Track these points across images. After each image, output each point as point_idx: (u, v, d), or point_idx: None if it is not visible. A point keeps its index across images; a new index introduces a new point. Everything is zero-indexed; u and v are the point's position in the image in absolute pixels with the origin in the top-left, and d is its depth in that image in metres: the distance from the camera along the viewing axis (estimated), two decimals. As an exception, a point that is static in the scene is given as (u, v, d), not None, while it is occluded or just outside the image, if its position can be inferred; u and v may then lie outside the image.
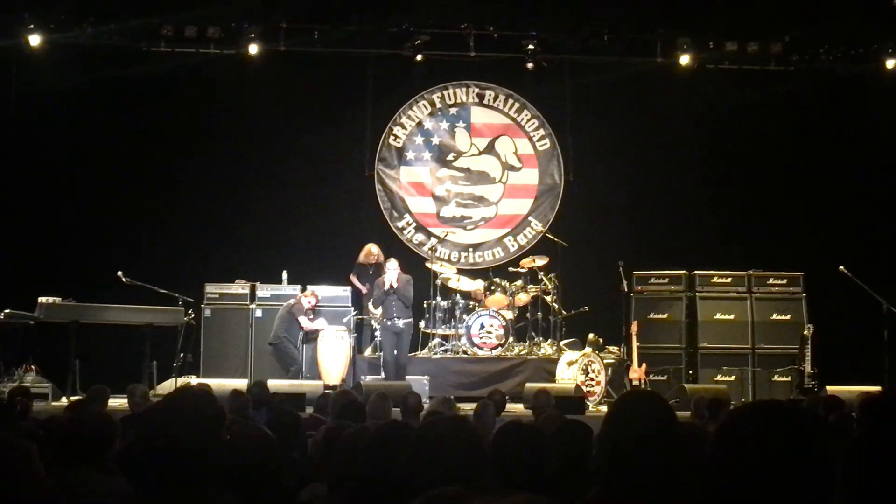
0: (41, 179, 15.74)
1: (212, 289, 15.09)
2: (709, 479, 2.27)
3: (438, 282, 15.35)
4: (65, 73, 15.54)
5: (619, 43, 16.46)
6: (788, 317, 15.19)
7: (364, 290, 15.30)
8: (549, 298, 15.45)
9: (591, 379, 13.96)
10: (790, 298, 15.32)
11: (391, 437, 3.52)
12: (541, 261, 15.62)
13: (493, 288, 15.46)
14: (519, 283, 15.56)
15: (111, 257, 14.53)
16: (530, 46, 16.28)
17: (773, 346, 15.06)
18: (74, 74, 15.57)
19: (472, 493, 2.33)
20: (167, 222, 15.95)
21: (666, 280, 15.63)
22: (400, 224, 17.04)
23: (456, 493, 2.31)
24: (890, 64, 16.25)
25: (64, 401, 12.52)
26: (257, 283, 15.19)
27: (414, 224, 17.07)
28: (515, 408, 12.67)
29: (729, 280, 15.49)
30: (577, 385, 13.52)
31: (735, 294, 15.42)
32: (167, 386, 13.52)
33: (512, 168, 17.30)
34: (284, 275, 15.32)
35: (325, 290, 15.10)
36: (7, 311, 13.35)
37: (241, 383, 11.93)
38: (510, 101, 17.34)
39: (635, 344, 14.19)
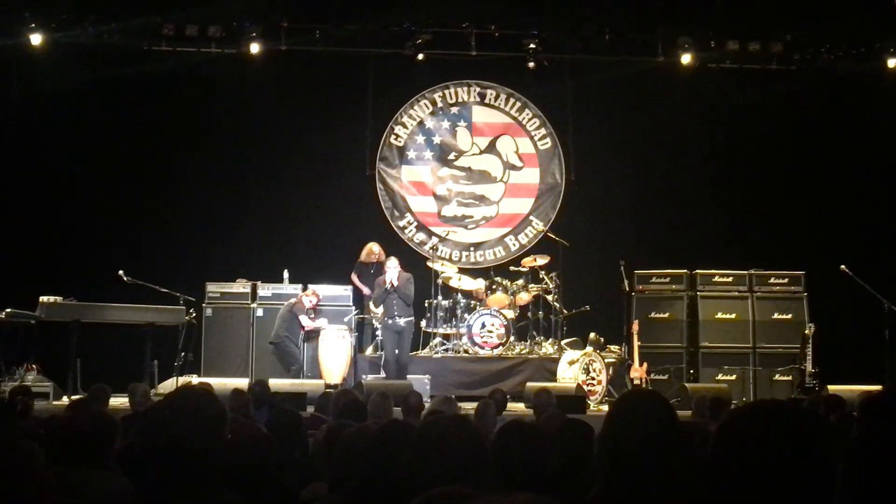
0: (42, 178, 15.74)
1: (213, 288, 15.10)
2: (710, 478, 2.26)
3: (439, 281, 15.36)
4: (66, 73, 15.53)
5: (621, 42, 16.46)
6: (790, 316, 15.19)
7: (365, 289, 15.30)
8: (550, 297, 15.46)
9: (593, 378, 13.97)
10: (791, 298, 15.32)
11: (392, 437, 3.52)
12: (542, 260, 15.62)
13: (494, 287, 15.46)
14: (520, 282, 15.56)
15: (112, 256, 14.53)
16: (531, 46, 16.29)
17: (774, 345, 15.06)
18: (75, 74, 15.57)
19: (473, 492, 2.33)
20: (168, 221, 15.95)
21: (667, 279, 15.63)
22: (401, 223, 17.04)
23: (457, 493, 2.31)
24: (891, 63, 16.25)
25: (65, 400, 12.54)
26: (258, 283, 15.20)
27: (415, 223, 17.07)
28: (516, 407, 12.67)
29: (730, 279, 15.49)
30: (579, 384, 13.52)
31: (736, 293, 15.42)
32: (168, 385, 13.53)
33: (513, 167, 17.30)
34: (286, 274, 15.33)
35: (326, 290, 15.10)
36: (8, 310, 13.35)
37: (243, 382, 11.92)
38: (511, 100, 17.34)
39: (636, 343, 14.19)
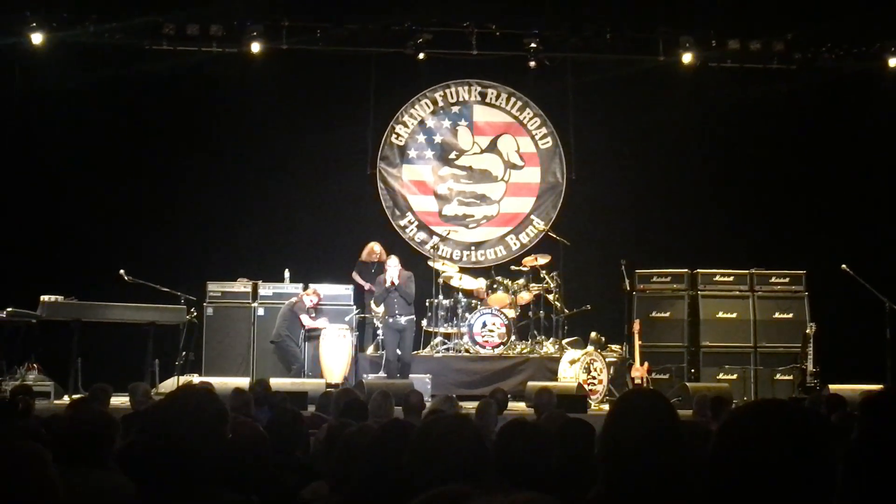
0: (43, 177, 15.74)
1: (214, 287, 15.10)
2: (711, 478, 2.26)
3: (440, 280, 15.36)
4: (66, 72, 15.53)
5: (622, 41, 16.45)
6: (791, 315, 15.18)
7: (366, 288, 15.30)
8: (551, 297, 15.46)
9: (594, 378, 13.97)
10: (792, 297, 15.32)
11: (393, 436, 3.52)
12: (543, 259, 15.62)
13: (495, 286, 15.46)
14: (521, 281, 15.56)
15: (113, 256, 14.53)
16: (532, 45, 16.29)
17: (775, 344, 15.05)
18: (76, 73, 15.57)
19: (474, 491, 2.33)
20: (169, 221, 15.95)
21: (668, 279, 15.62)
22: (402, 222, 17.04)
23: (458, 492, 2.30)
24: (893, 62, 16.26)
25: (66, 399, 12.55)
26: (259, 282, 15.20)
27: (416, 222, 17.07)
28: (517, 406, 12.68)
29: (731, 279, 15.48)
30: (580, 384, 13.52)
31: (737, 293, 15.41)
32: (169, 384, 13.54)
33: (514, 166, 17.30)
34: (287, 273, 15.33)
35: (327, 289, 15.10)
36: (9, 309, 13.35)
37: (243, 382, 11.91)
38: (512, 99, 17.34)
39: (637, 342, 14.17)
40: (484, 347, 14.93)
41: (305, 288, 14.86)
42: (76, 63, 15.62)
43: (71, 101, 15.81)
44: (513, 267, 16.12)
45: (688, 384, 13.96)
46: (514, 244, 17.17)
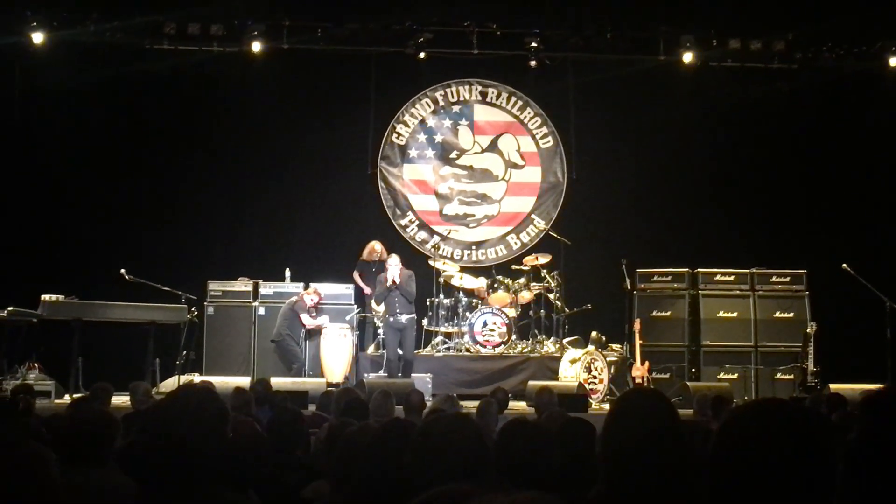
0: (44, 177, 15.74)
1: (215, 286, 15.10)
2: (711, 477, 2.26)
3: (441, 279, 15.35)
4: (67, 71, 15.53)
5: (622, 41, 16.45)
6: (791, 315, 15.17)
7: (367, 288, 15.30)
8: (551, 296, 15.46)
9: (594, 377, 13.97)
10: (793, 296, 15.31)
11: (394, 435, 3.52)
12: (543, 259, 15.61)
13: (495, 286, 15.45)
14: (522, 280, 15.56)
15: (114, 255, 14.54)
16: (533, 44, 16.29)
17: (775, 343, 15.04)
18: (77, 72, 15.57)
19: (475, 490, 2.33)
20: (170, 220, 15.95)
21: (669, 278, 15.61)
22: (403, 222, 17.04)
23: (459, 491, 2.30)
24: (893, 62, 16.26)
25: (67, 398, 12.55)
26: (260, 281, 15.20)
27: (417, 222, 17.07)
28: (518, 406, 12.70)
29: (732, 278, 15.48)
30: (580, 383, 13.53)
31: (738, 292, 15.40)
32: (170, 383, 13.54)
33: (515, 166, 17.29)
34: (287, 272, 15.33)
35: (328, 288, 15.10)
36: (10, 308, 13.36)
37: (244, 381, 11.90)
38: (513, 98, 17.33)
39: (638, 342, 14.17)
40: (485, 347, 14.93)
41: (306, 287, 14.85)
42: (77, 62, 15.62)
43: (71, 101, 15.81)
44: (513, 266, 16.12)
45: (688, 383, 13.95)
46: (515, 243, 17.17)
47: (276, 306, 14.77)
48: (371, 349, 15.21)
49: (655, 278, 15.63)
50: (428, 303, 15.23)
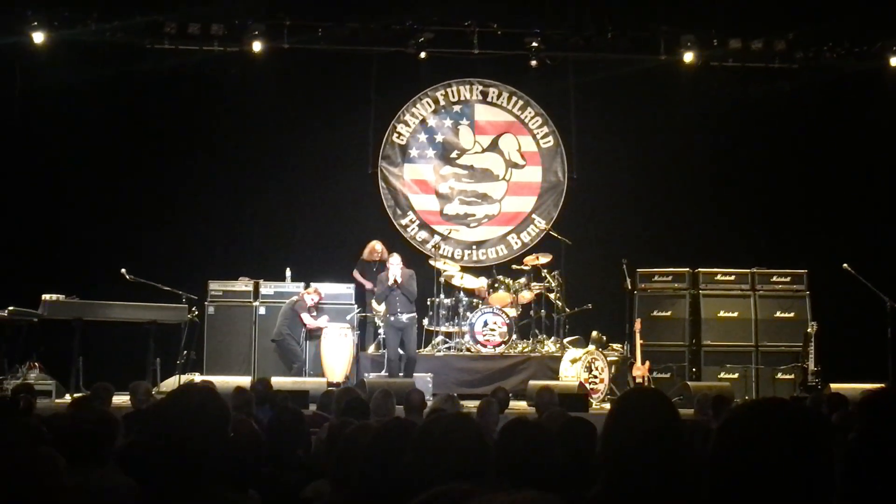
0: (45, 176, 15.75)
1: (215, 286, 15.10)
2: (711, 476, 2.26)
3: (442, 279, 15.35)
4: (68, 71, 15.53)
5: (623, 40, 16.45)
6: (792, 314, 15.17)
7: (368, 283, 15.29)
8: (552, 296, 15.45)
9: (595, 376, 13.96)
10: (794, 296, 15.31)
11: (394, 435, 3.52)
12: (544, 258, 15.61)
13: (496, 285, 15.45)
14: (522, 280, 15.55)
15: (115, 254, 14.54)
16: (534, 44, 16.30)
17: (776, 343, 15.04)
18: (77, 72, 15.56)
19: (476, 490, 2.33)
20: (171, 219, 15.95)
21: (669, 278, 15.61)
22: (403, 221, 17.03)
23: (460, 491, 2.30)
24: (894, 62, 16.26)
25: (67, 398, 12.55)
26: (261, 281, 15.20)
27: (417, 221, 17.06)
28: (519, 405, 12.71)
29: (732, 278, 15.48)
30: (581, 382, 13.53)
31: (739, 292, 15.40)
32: (170, 383, 13.54)
33: (515, 165, 17.29)
34: (288, 272, 15.33)
35: (328, 288, 15.10)
36: (11, 308, 13.35)
37: (245, 380, 11.90)
38: (514, 98, 17.33)
39: (639, 341, 14.17)
40: (485, 346, 14.92)
41: (307, 287, 14.86)
42: (77, 62, 15.62)
43: (72, 101, 15.81)
44: (514, 266, 16.11)
45: (689, 383, 13.97)
46: (516, 243, 17.17)
47: (277, 306, 14.77)
48: (372, 349, 15.21)
49: (656, 278, 15.62)
50: (428, 302, 15.23)
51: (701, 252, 15.92)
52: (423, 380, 13.69)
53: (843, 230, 15.93)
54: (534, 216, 17.19)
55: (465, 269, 16.07)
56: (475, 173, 17.21)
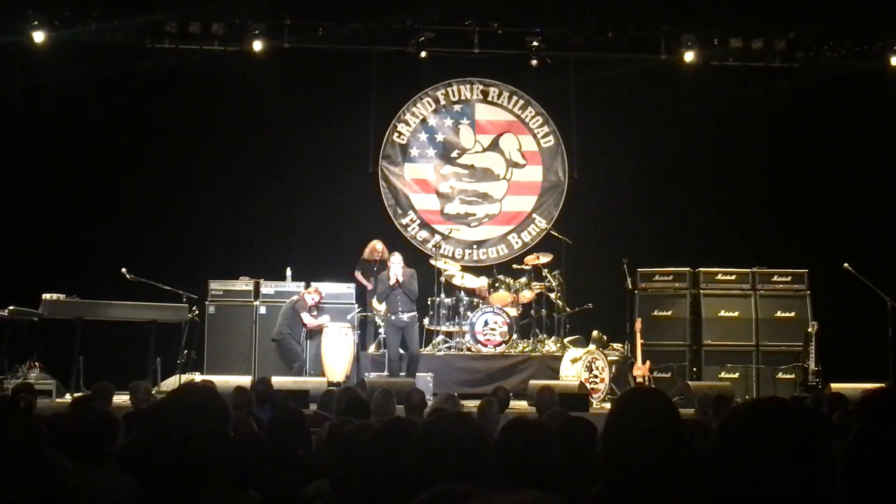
0: (45, 175, 15.74)
1: (216, 286, 15.10)
2: (711, 476, 2.26)
3: (442, 279, 15.34)
4: (68, 70, 15.54)
5: (624, 40, 16.46)
6: (793, 314, 15.17)
7: (369, 286, 15.29)
8: (553, 295, 15.45)
9: (595, 376, 13.96)
10: (794, 296, 15.30)
11: (395, 434, 3.52)
12: (545, 258, 15.61)
13: (497, 285, 15.45)
14: (523, 280, 15.55)
15: (115, 254, 14.54)
16: (534, 43, 16.30)
17: (777, 343, 15.04)
18: (78, 71, 15.57)
19: (476, 490, 2.33)
20: (171, 219, 15.96)
21: (670, 277, 15.60)
22: (404, 221, 17.03)
23: (460, 490, 2.30)
24: (894, 61, 16.25)
25: (68, 397, 12.56)
26: (261, 280, 15.19)
27: (418, 221, 17.06)
28: (519, 405, 12.71)
29: (733, 277, 15.47)
30: (581, 382, 13.53)
31: (739, 291, 15.39)
32: (171, 383, 13.54)
33: (516, 165, 17.29)
34: (288, 271, 15.33)
35: (329, 287, 15.11)
36: (11, 307, 13.35)
37: (245, 380, 11.91)
38: (514, 97, 17.32)
39: (639, 341, 14.18)
40: (486, 346, 14.92)
41: (307, 286, 14.86)
42: (78, 61, 15.61)
43: (72, 100, 15.81)
44: (515, 265, 16.11)
45: (689, 383, 13.97)
46: (516, 243, 17.16)
47: (277, 305, 14.77)
48: (372, 348, 15.20)
49: (657, 277, 15.62)
50: (429, 302, 15.22)
51: (701, 251, 15.92)
52: (424, 379, 13.70)
53: (843, 230, 15.93)
54: (534, 216, 17.19)
55: (465, 269, 16.07)
56: (476, 173, 17.21)
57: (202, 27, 15.77)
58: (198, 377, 13.39)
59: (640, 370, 13.99)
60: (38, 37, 15.39)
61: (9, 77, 15.70)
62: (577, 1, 16.61)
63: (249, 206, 16.47)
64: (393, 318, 14.10)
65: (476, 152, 17.25)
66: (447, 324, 15.23)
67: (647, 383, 13.71)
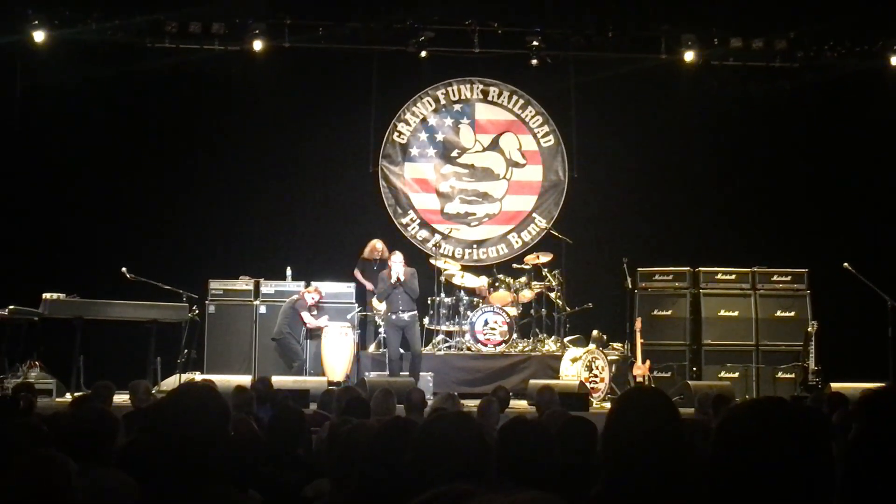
0: (46, 175, 15.74)
1: (216, 285, 15.10)
2: (710, 475, 2.26)
3: (442, 278, 15.35)
4: (68, 70, 15.53)
5: (624, 39, 16.46)
6: (793, 313, 15.16)
7: (368, 284, 15.28)
8: (553, 295, 15.45)
9: (595, 376, 13.96)
10: (794, 295, 15.30)
11: (395, 434, 3.52)
12: (545, 257, 15.60)
13: (497, 284, 15.44)
14: (523, 279, 15.55)
15: (115, 253, 14.54)
16: (534, 43, 16.30)
17: (777, 342, 15.04)
18: (78, 71, 15.56)
19: (476, 489, 2.33)
20: (171, 218, 15.96)
21: (670, 277, 15.60)
22: (404, 220, 17.03)
23: (460, 490, 2.30)
24: (895, 61, 16.24)
25: (68, 397, 12.56)
26: (261, 279, 15.19)
27: (418, 220, 17.06)
28: (519, 404, 12.71)
29: (733, 277, 15.47)
30: (581, 382, 13.53)
31: (739, 291, 15.39)
32: (171, 382, 13.54)
33: (516, 165, 17.29)
34: (289, 271, 15.33)
35: (329, 287, 15.11)
36: (11, 307, 13.35)
37: (245, 379, 11.92)
38: (514, 97, 17.32)
39: (639, 340, 14.17)
40: (486, 345, 14.92)
41: (307, 285, 14.86)
42: (78, 61, 15.61)
43: (72, 100, 15.81)
44: (515, 265, 16.11)
45: (689, 382, 13.97)
46: (516, 242, 17.17)
47: (278, 305, 14.77)
48: (372, 348, 15.20)
49: (657, 277, 15.62)
50: (429, 301, 15.22)
51: (701, 251, 15.92)
52: (424, 379, 13.71)
53: (843, 229, 15.93)
54: (534, 215, 17.19)
55: (465, 268, 16.06)
56: (476, 172, 17.21)
57: (202, 27, 15.77)
58: (198, 376, 13.39)
59: (640, 370, 13.99)
60: (38, 36, 15.39)
61: (9, 77, 15.69)
62: (577, 1, 16.60)
63: (249, 206, 16.46)
64: (393, 317, 14.07)
65: (476, 152, 17.25)
66: (447, 323, 15.23)
67: (647, 383, 13.71)
